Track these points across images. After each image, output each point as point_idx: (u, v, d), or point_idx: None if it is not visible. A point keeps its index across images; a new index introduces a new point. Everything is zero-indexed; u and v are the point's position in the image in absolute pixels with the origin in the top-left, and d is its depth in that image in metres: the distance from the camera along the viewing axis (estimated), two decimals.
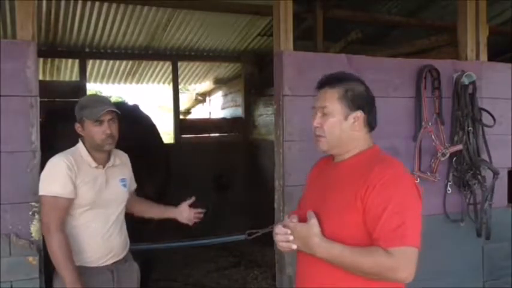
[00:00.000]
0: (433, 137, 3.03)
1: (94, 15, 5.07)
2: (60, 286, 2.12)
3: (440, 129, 3.09)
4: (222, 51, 6.75)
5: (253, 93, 6.96)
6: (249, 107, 7.07)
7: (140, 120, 4.39)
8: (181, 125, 7.05)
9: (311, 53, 3.25)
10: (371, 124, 1.70)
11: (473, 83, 3.14)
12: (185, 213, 2.46)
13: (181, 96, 7.78)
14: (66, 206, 2.14)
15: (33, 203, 2.28)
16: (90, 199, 2.19)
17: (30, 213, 2.29)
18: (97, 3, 4.83)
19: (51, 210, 2.11)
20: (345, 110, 1.66)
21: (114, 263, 2.28)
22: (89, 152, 2.24)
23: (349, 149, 1.70)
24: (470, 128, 3.13)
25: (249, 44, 6.50)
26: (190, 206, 2.47)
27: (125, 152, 2.49)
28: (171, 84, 7.05)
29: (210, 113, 9.08)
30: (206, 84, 8.61)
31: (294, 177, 2.74)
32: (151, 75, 7.41)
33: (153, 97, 14.41)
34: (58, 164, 2.16)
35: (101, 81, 7.34)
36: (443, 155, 3.02)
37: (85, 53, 6.11)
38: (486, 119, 3.19)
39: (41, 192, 2.16)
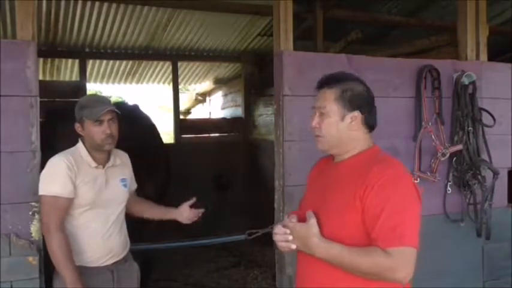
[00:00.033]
0: (433, 137, 3.03)
1: (94, 15, 5.06)
2: (61, 286, 2.12)
3: (440, 129, 3.09)
4: (222, 51, 6.75)
5: (253, 93, 6.96)
6: (249, 107, 7.06)
7: (140, 120, 4.39)
8: (181, 125, 7.05)
9: (311, 53, 3.26)
10: (370, 124, 1.70)
11: (473, 83, 3.14)
12: (185, 213, 2.45)
13: (181, 96, 7.78)
14: (66, 206, 2.14)
15: (33, 203, 2.28)
16: (90, 199, 2.19)
17: (30, 213, 2.29)
18: (97, 3, 4.83)
19: (51, 210, 2.11)
20: (341, 111, 1.67)
21: (114, 263, 2.28)
22: (88, 152, 2.24)
23: (348, 149, 1.70)
24: (470, 128, 3.13)
25: (249, 44, 6.50)
26: (191, 206, 2.47)
27: (125, 152, 2.49)
28: (171, 84, 7.05)
29: (210, 113, 9.08)
30: (206, 84, 8.61)
31: (294, 177, 2.74)
32: (151, 75, 7.41)
33: (153, 97, 14.42)
34: (58, 163, 2.16)
35: (101, 81, 7.34)
36: (443, 155, 3.02)
37: (85, 53, 6.11)
38: (486, 119, 3.19)
39: (40, 192, 2.16)
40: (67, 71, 6.62)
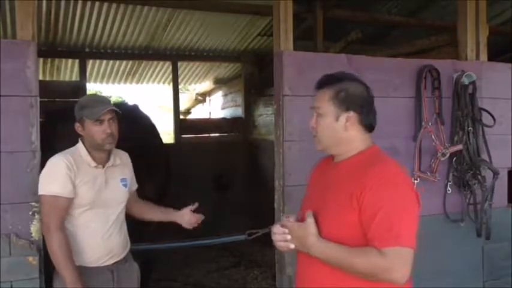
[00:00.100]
0: (433, 137, 3.03)
1: (94, 15, 5.06)
2: (60, 286, 2.12)
3: (440, 129, 3.09)
4: (222, 51, 6.75)
5: (253, 93, 6.96)
6: (249, 107, 7.06)
7: (140, 120, 4.39)
8: (181, 125, 7.05)
9: (311, 53, 3.26)
10: (367, 124, 1.69)
11: (473, 83, 3.14)
12: (187, 217, 2.46)
13: (181, 96, 7.78)
14: (66, 206, 2.14)
15: (33, 203, 2.28)
16: (90, 199, 2.19)
17: (30, 213, 2.29)
18: (97, 3, 4.83)
19: (51, 210, 2.12)
20: (336, 111, 1.67)
21: (115, 263, 2.28)
22: (88, 152, 2.24)
23: (346, 149, 1.70)
24: (470, 128, 3.13)
25: (249, 44, 6.50)
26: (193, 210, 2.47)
27: (125, 152, 2.49)
28: (171, 84, 7.05)
29: (210, 113, 9.08)
30: (206, 84, 8.61)
31: (294, 177, 2.74)
32: (151, 75, 7.41)
33: (153, 97, 14.42)
34: (57, 163, 2.16)
35: (101, 81, 7.34)
36: (443, 155, 3.02)
37: (85, 53, 6.11)
38: (486, 119, 3.19)
39: (40, 192, 2.16)
40: (67, 71, 6.62)
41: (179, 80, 7.24)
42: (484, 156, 3.18)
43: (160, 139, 4.74)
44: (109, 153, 2.31)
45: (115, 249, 2.28)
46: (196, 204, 2.46)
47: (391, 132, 2.86)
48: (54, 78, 6.66)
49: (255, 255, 5.52)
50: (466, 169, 3.12)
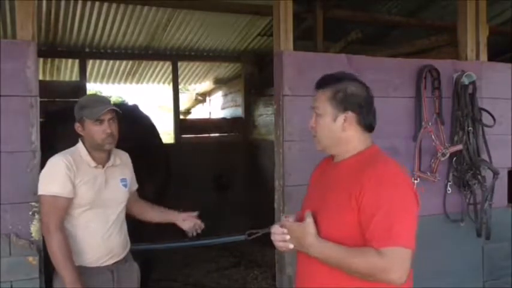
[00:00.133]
0: (433, 137, 3.03)
1: (94, 15, 5.06)
2: (60, 286, 2.12)
3: (440, 129, 3.09)
4: (222, 51, 6.75)
5: (253, 93, 6.96)
6: (249, 107, 7.06)
7: (140, 120, 4.39)
8: (181, 125, 7.05)
9: (311, 53, 3.26)
10: (367, 124, 1.69)
11: (473, 83, 3.14)
12: (187, 222, 2.47)
13: (181, 96, 7.78)
14: (66, 206, 2.14)
15: (33, 203, 2.28)
16: (90, 199, 2.19)
17: (30, 213, 2.29)
18: (97, 3, 4.83)
19: (51, 210, 2.11)
20: (334, 111, 1.67)
21: (115, 263, 2.28)
22: (88, 152, 2.24)
23: (345, 149, 1.70)
24: (470, 128, 3.13)
25: (249, 44, 6.50)
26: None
27: (125, 152, 2.49)
28: (171, 84, 7.05)
29: (210, 113, 9.08)
30: (206, 84, 8.61)
31: (294, 177, 2.74)
32: (151, 75, 7.41)
33: (153, 97, 14.42)
34: (57, 163, 2.16)
35: (101, 81, 7.34)
36: (443, 155, 3.02)
37: (85, 53, 6.11)
38: (486, 119, 3.19)
39: (40, 192, 2.16)
40: (67, 71, 6.62)
41: (179, 80, 7.24)
42: (484, 156, 3.18)
43: (160, 139, 4.74)
44: (109, 153, 2.31)
45: (115, 249, 2.28)
46: (197, 213, 2.48)
47: (391, 132, 2.86)
48: (54, 78, 6.66)
49: (255, 255, 5.52)
50: (466, 169, 3.12)
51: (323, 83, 1.72)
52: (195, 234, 2.47)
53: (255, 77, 6.97)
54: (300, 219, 1.66)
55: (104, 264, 2.24)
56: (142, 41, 6.03)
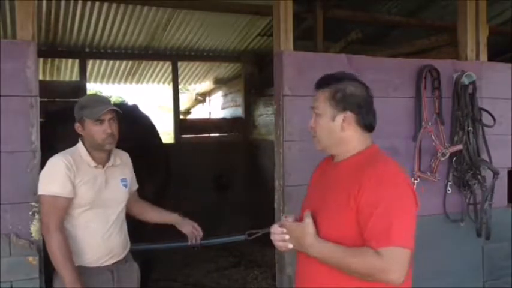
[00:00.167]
0: (433, 137, 3.03)
1: (94, 15, 5.06)
2: (60, 286, 2.12)
3: (440, 129, 3.09)
4: (222, 51, 6.75)
5: (253, 93, 6.96)
6: (249, 107, 7.06)
7: (140, 120, 4.39)
8: (181, 125, 7.05)
9: (311, 53, 3.26)
10: (366, 124, 1.69)
11: (473, 83, 3.14)
12: (187, 227, 2.50)
13: (181, 96, 7.78)
14: (66, 206, 2.14)
15: (33, 203, 2.28)
16: (90, 199, 2.19)
17: (30, 213, 2.29)
18: (97, 3, 4.83)
19: (51, 210, 2.11)
20: (332, 111, 1.67)
21: (115, 263, 2.28)
22: (88, 152, 2.24)
23: (345, 149, 1.70)
24: (470, 128, 3.13)
25: (249, 44, 6.50)
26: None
27: (125, 152, 2.49)
28: (171, 84, 7.05)
29: (210, 113, 9.08)
30: (206, 84, 8.61)
31: (294, 177, 2.74)
32: (151, 75, 7.41)
33: (153, 97, 14.43)
34: (57, 163, 2.16)
35: (101, 81, 7.34)
36: (443, 155, 3.02)
37: (85, 53, 6.11)
38: (486, 119, 3.19)
39: (40, 192, 2.16)
40: (67, 71, 6.62)
41: (179, 80, 7.24)
42: (484, 156, 3.18)
43: (160, 139, 4.74)
44: (109, 153, 2.31)
45: (115, 249, 2.28)
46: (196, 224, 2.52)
47: (391, 132, 2.86)
48: (54, 78, 6.67)
49: (255, 255, 5.52)
50: (466, 169, 3.12)
51: (323, 83, 1.73)
52: (194, 242, 2.50)
53: (255, 77, 6.97)
54: (299, 219, 1.66)
55: (104, 264, 2.24)
56: (142, 41, 6.03)
